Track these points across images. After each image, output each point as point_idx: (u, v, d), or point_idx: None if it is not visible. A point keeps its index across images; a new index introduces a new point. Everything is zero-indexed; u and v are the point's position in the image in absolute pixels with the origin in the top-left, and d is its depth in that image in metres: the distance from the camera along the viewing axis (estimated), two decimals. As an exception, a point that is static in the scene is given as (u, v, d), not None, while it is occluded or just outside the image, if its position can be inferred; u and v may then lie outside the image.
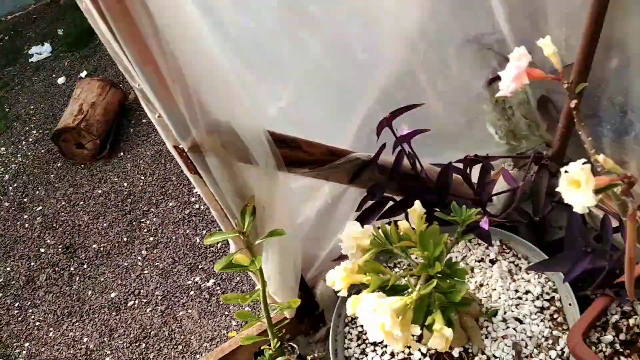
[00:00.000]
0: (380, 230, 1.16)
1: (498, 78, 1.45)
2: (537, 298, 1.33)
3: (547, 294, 1.34)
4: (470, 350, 1.29)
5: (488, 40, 1.23)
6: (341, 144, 1.33)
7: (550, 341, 1.27)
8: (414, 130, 1.27)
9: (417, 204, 1.16)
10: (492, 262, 1.43)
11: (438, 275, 1.09)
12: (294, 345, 1.39)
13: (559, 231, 1.56)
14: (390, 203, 1.35)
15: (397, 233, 1.14)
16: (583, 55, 1.16)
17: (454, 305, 1.08)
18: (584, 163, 0.74)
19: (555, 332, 1.28)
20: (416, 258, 1.16)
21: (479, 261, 1.44)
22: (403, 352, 1.34)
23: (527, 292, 1.35)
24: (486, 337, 1.29)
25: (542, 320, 1.30)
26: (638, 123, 1.21)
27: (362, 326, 1.43)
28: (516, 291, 1.36)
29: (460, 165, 1.40)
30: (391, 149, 1.29)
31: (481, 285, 1.40)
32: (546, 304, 1.33)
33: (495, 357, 1.26)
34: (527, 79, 0.89)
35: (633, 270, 0.87)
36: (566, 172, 0.76)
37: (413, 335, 1.01)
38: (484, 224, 1.21)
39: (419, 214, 1.15)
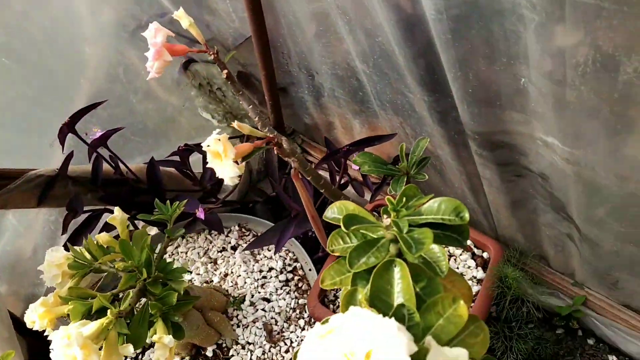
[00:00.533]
0: (82, 248, 1.03)
1: (191, 61, 1.40)
2: (281, 272, 1.33)
3: (289, 265, 1.34)
4: (224, 345, 1.24)
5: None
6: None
7: (298, 310, 1.27)
8: (105, 131, 1.15)
9: (117, 210, 1.06)
10: (234, 248, 1.40)
11: (148, 282, 1.00)
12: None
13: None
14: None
15: (100, 247, 1.02)
16: (254, 26, 1.15)
17: (174, 309, 1.01)
18: (218, 133, 0.70)
19: (301, 301, 1.28)
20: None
21: (221, 251, 1.39)
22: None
23: (271, 269, 1.34)
24: (238, 326, 1.25)
25: (287, 293, 1.29)
26: (326, 84, 1.25)
27: None
28: (260, 271, 1.34)
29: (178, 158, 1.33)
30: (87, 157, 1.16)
31: (226, 275, 1.35)
32: (290, 276, 1.33)
33: (249, 343, 1.23)
34: (170, 56, 0.83)
35: (320, 226, 0.87)
36: (208, 146, 0.71)
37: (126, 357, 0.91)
38: (200, 214, 1.15)
39: (119, 221, 1.05)
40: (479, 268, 1.17)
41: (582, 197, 0.92)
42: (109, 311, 0.88)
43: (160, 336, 0.95)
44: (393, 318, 0.45)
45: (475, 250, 1.20)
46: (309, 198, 0.83)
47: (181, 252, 1.41)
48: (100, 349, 0.86)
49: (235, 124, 0.70)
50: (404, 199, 0.61)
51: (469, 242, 1.21)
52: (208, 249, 1.40)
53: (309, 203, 0.83)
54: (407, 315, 0.50)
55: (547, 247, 1.19)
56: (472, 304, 1.12)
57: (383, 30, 0.95)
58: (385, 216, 0.60)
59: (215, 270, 1.36)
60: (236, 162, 0.70)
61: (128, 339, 0.93)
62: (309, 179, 0.89)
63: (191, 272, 1.36)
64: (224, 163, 0.70)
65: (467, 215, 0.58)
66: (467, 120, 0.96)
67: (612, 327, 1.17)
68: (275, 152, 0.77)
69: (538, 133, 0.88)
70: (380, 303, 0.53)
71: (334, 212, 0.63)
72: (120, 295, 1.03)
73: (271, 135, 0.73)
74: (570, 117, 0.78)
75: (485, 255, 1.19)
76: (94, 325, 0.86)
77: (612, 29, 0.62)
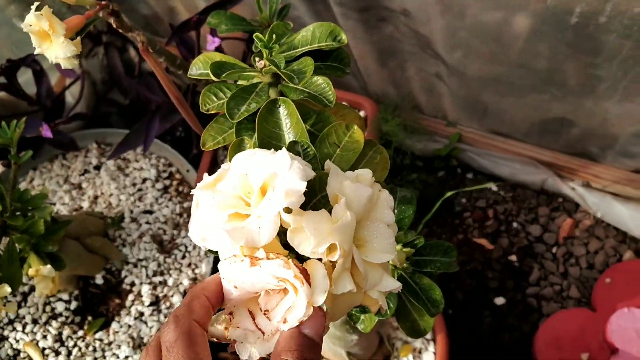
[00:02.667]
0: None
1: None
2: (157, 180, 1.23)
3: (164, 171, 1.24)
4: (113, 268, 1.14)
5: None
6: None
7: (185, 214, 1.19)
8: None
9: (-60, 146, 0.88)
10: (97, 167, 1.26)
11: (6, 216, 0.86)
12: None
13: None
14: None
15: None
16: None
17: (45, 237, 0.88)
18: (37, 9, 0.57)
19: (186, 204, 1.20)
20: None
21: (83, 174, 1.25)
22: (43, 308, 1.12)
23: (145, 179, 1.23)
24: (124, 246, 1.15)
25: (169, 200, 1.21)
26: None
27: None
28: (134, 184, 1.23)
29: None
30: None
31: (96, 197, 1.22)
32: (167, 182, 1.23)
33: (142, 260, 1.14)
34: None
35: (188, 109, 0.78)
36: (30, 26, 0.58)
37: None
38: (46, 132, 1.00)
39: (-54, 157, 0.88)
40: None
41: (446, 24, 0.90)
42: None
43: (37, 268, 0.84)
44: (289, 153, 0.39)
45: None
46: (167, 76, 0.73)
47: (38, 186, 1.24)
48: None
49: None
50: (274, 37, 0.53)
51: (344, 104, 1.18)
52: (68, 175, 1.25)
53: (169, 83, 0.73)
54: (302, 151, 0.45)
55: (418, 94, 1.20)
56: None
57: None
58: (258, 59, 0.52)
59: (82, 195, 1.22)
60: (70, 39, 0.57)
61: (2, 280, 0.81)
62: (162, 60, 0.78)
63: (55, 204, 1.21)
64: (55, 42, 0.57)
65: (344, 37, 0.52)
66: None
67: (487, 155, 1.23)
68: (114, 25, 0.65)
69: (394, -37, 0.84)
70: (271, 147, 0.47)
71: (199, 67, 0.54)
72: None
73: (103, 2, 0.61)
74: None
75: (362, 114, 1.18)
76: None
77: None
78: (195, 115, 0.85)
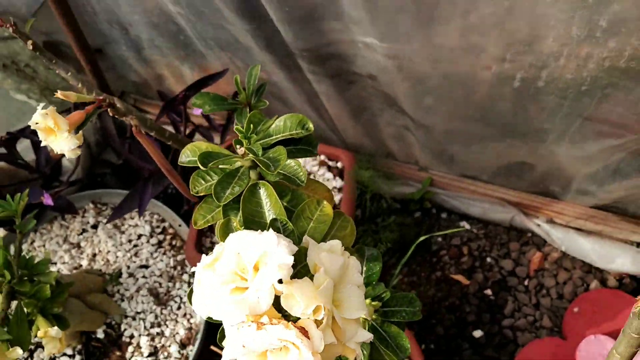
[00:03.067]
0: None
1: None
2: (151, 236, 1.30)
3: (158, 227, 1.32)
4: (113, 323, 1.21)
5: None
6: None
7: (179, 267, 1.27)
8: None
9: (-50, 221, 0.96)
10: (95, 227, 1.33)
11: (14, 283, 0.93)
12: None
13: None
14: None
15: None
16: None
17: (50, 302, 0.96)
18: (43, 108, 0.66)
19: (179, 257, 1.28)
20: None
21: (81, 233, 1.33)
22: (48, 369, 1.18)
23: (140, 235, 1.31)
24: (122, 300, 1.22)
25: (164, 254, 1.28)
26: (143, 34, 1.20)
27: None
28: (129, 241, 1.30)
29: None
30: None
31: (94, 255, 1.30)
32: (161, 237, 1.31)
33: (139, 312, 1.21)
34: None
35: (178, 178, 0.87)
36: (37, 123, 0.67)
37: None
38: (47, 200, 1.08)
39: (-43, 231, 0.95)
40: (337, 178, 1.25)
41: (408, 86, 1.01)
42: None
43: (45, 330, 0.91)
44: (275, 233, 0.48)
45: (330, 163, 1.28)
46: (158, 152, 0.81)
47: (38, 247, 1.31)
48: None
49: (59, 93, 0.66)
50: (252, 126, 0.63)
51: (322, 157, 1.28)
52: (67, 235, 1.33)
53: (160, 157, 0.82)
54: (282, 226, 0.54)
55: (391, 144, 1.29)
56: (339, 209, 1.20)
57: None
58: (239, 147, 0.61)
59: (81, 254, 1.30)
60: (73, 133, 0.66)
61: (12, 343, 0.88)
62: (152, 134, 0.87)
63: (56, 263, 1.28)
64: (59, 137, 0.66)
65: (311, 126, 0.62)
66: (292, 40, 0.99)
67: (457, 197, 1.33)
68: (110, 114, 0.74)
69: (358, 37, 0.94)
70: (254, 225, 0.55)
71: (188, 155, 0.63)
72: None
73: (100, 98, 0.70)
74: (382, 15, 0.84)
75: (339, 165, 1.27)
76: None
77: None
78: (184, 181, 0.94)
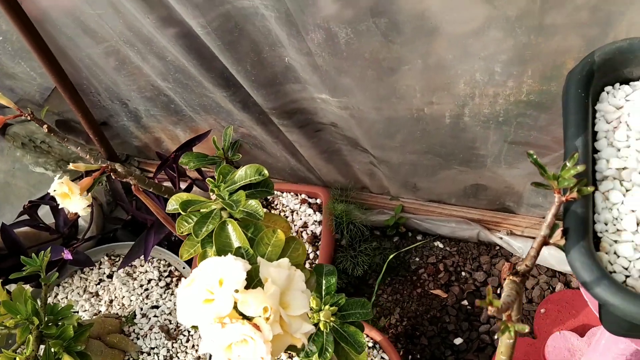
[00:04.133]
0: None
1: (6, 125, 1.47)
2: (159, 279, 1.47)
3: (165, 271, 1.49)
4: (130, 359, 1.37)
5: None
6: None
7: (186, 305, 1.43)
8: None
9: (-14, 279, 1.13)
10: (110, 276, 1.51)
11: (42, 327, 1.10)
12: None
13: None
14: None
15: (-16, 316, 1.10)
16: (55, 77, 1.26)
17: (74, 341, 1.12)
18: (59, 178, 0.84)
19: (186, 296, 1.44)
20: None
21: (98, 283, 1.50)
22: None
23: (150, 280, 1.48)
24: (138, 338, 1.38)
25: (172, 294, 1.45)
26: (140, 107, 1.40)
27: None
28: (141, 286, 1.47)
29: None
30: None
31: (111, 301, 1.47)
32: (169, 279, 1.48)
33: (153, 348, 1.37)
34: (-9, 128, 0.93)
35: (172, 224, 1.04)
36: (55, 190, 0.85)
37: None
38: (67, 255, 1.26)
39: (-6, 287, 1.13)
40: (317, 212, 1.42)
41: (363, 130, 1.19)
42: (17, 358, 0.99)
43: (71, 367, 1.07)
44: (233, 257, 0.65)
45: (310, 201, 1.45)
46: (155, 205, 0.99)
47: (62, 299, 1.49)
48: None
49: (70, 165, 0.85)
50: (221, 177, 0.81)
51: (303, 196, 1.45)
52: (86, 286, 1.50)
53: (157, 209, 1.00)
54: (245, 252, 0.71)
55: (363, 178, 1.47)
56: (319, 242, 1.36)
57: (169, 51, 1.12)
58: (212, 193, 0.79)
59: (99, 301, 1.47)
60: (85, 195, 0.84)
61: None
62: (150, 190, 1.05)
63: (78, 311, 1.46)
64: (73, 199, 0.84)
65: (266, 172, 0.79)
66: (262, 101, 1.18)
67: (427, 220, 1.49)
68: (114, 177, 0.93)
69: (314, 94, 1.13)
70: (225, 253, 0.73)
71: (173, 204, 0.81)
72: (21, 349, 1.12)
73: (104, 165, 0.89)
74: (328, 77, 1.03)
75: (318, 201, 1.44)
76: (8, 379, 0.96)
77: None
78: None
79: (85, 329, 1.16)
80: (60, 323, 1.14)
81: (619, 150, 0.66)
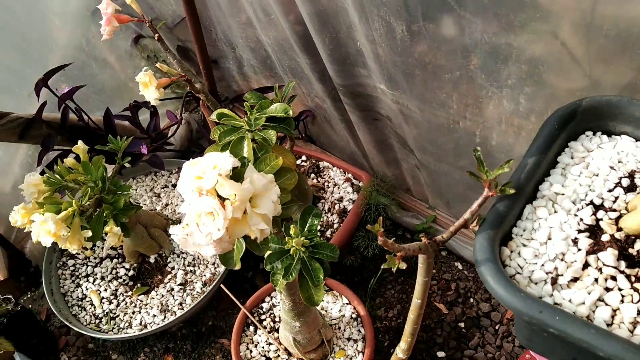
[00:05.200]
0: (52, 172, 1.38)
1: (140, 36, 1.77)
2: (210, 203, 1.70)
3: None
4: (163, 254, 1.60)
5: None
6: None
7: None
8: (72, 87, 1.50)
9: (80, 142, 1.41)
10: (174, 185, 1.76)
11: (104, 193, 1.36)
12: (9, 297, 1.55)
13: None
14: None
15: (66, 169, 1.38)
16: (187, 9, 1.51)
17: (121, 211, 1.37)
18: (145, 70, 1.07)
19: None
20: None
21: (163, 187, 1.76)
22: (111, 270, 1.60)
23: (203, 200, 1.71)
24: (173, 242, 1.62)
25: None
26: (244, 55, 1.63)
27: (74, 265, 1.65)
28: (194, 202, 1.70)
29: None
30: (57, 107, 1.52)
31: (167, 205, 1.72)
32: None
33: (183, 253, 1.60)
34: (117, 22, 1.19)
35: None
36: (139, 78, 1.08)
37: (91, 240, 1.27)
38: (143, 149, 1.51)
39: (82, 149, 1.40)
40: (355, 192, 1.56)
41: (410, 128, 1.31)
42: (73, 202, 1.24)
43: (111, 227, 1.32)
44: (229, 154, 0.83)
45: (354, 181, 1.60)
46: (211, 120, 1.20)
47: (132, 190, 1.76)
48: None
49: (158, 64, 1.07)
50: (259, 107, 0.99)
51: (349, 175, 1.60)
52: (153, 186, 1.77)
53: (212, 123, 1.21)
54: (247, 162, 0.89)
55: (408, 179, 1.59)
56: (346, 217, 1.51)
57: (274, 10, 1.33)
58: (244, 116, 0.98)
59: (158, 201, 1.73)
60: (160, 90, 1.07)
61: (92, 234, 1.29)
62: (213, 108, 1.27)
63: (139, 203, 1.72)
64: (149, 89, 1.07)
65: (291, 112, 0.96)
66: (334, 75, 1.35)
67: (454, 238, 1.57)
68: (189, 88, 1.14)
69: (376, 83, 1.28)
70: (237, 156, 0.91)
71: (214, 116, 1.00)
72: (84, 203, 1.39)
73: (182, 74, 1.10)
74: (385, 67, 1.17)
75: (361, 184, 1.59)
76: (63, 213, 1.22)
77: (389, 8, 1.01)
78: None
79: (133, 207, 1.40)
80: (117, 194, 1.39)
81: (566, 179, 0.75)
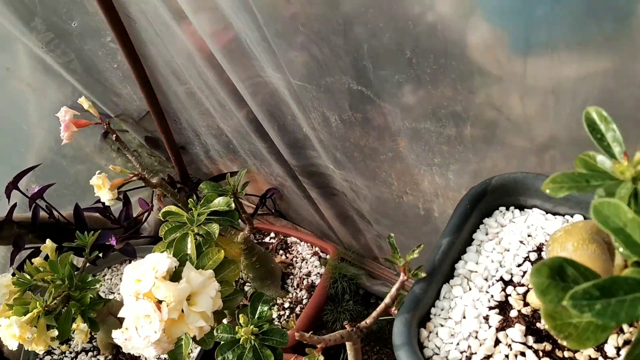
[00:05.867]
0: (22, 272, 1.42)
1: (107, 132, 1.84)
2: (184, 286, 1.72)
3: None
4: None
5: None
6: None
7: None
8: (42, 187, 1.57)
9: (48, 241, 1.45)
10: (149, 272, 1.79)
11: (71, 290, 1.39)
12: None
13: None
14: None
15: (35, 268, 1.41)
16: (150, 103, 1.60)
17: (89, 307, 1.39)
18: (99, 174, 1.13)
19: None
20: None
21: (138, 275, 1.79)
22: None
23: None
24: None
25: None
26: (208, 141, 1.70)
27: (50, 360, 1.66)
28: (168, 287, 1.73)
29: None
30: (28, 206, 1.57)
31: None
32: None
33: (158, 341, 1.61)
34: (75, 127, 1.26)
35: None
36: (93, 181, 1.14)
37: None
38: (112, 241, 1.55)
39: (50, 248, 1.45)
40: (323, 267, 1.59)
41: (362, 203, 1.36)
42: (37, 303, 1.27)
43: (78, 325, 1.34)
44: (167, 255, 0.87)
45: (321, 254, 1.63)
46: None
47: (107, 279, 1.79)
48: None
49: (111, 167, 1.13)
50: (205, 201, 1.04)
51: (316, 249, 1.64)
52: (129, 274, 1.80)
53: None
54: (189, 259, 0.93)
55: (373, 248, 1.62)
56: (314, 290, 1.53)
57: (226, 101, 1.41)
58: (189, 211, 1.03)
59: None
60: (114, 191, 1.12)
61: (59, 332, 1.31)
62: (175, 200, 1.32)
63: (113, 293, 1.75)
64: (103, 191, 1.12)
65: (233, 205, 1.01)
66: (288, 157, 1.41)
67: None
68: (144, 183, 1.20)
69: (326, 163, 1.34)
70: (177, 257, 0.95)
71: (160, 215, 1.05)
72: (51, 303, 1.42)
73: (137, 172, 1.16)
74: (328, 151, 1.24)
75: (328, 256, 1.62)
76: (28, 315, 1.25)
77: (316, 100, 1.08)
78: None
79: (100, 301, 1.43)
80: (84, 291, 1.42)
81: (480, 256, 0.79)
